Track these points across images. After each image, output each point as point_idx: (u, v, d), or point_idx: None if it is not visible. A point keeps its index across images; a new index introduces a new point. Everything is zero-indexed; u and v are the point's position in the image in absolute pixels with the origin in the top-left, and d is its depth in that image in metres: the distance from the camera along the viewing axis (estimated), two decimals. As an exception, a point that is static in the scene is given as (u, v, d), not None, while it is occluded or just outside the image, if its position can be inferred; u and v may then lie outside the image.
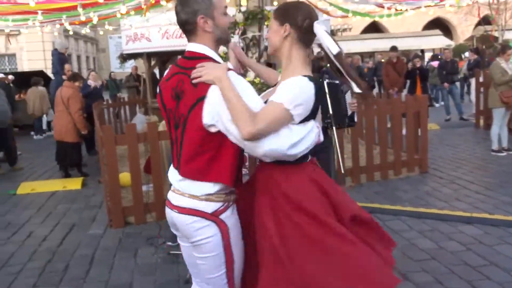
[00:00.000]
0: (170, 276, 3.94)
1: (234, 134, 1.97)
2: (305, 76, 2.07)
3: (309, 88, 2.05)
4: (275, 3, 9.30)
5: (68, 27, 7.73)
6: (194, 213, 2.07)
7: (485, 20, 23.23)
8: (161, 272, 4.04)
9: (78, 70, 19.07)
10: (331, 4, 9.14)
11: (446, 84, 12.25)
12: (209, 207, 2.07)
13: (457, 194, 5.81)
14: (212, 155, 2.04)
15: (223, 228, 2.08)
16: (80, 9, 6.75)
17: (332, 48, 2.12)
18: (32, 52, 22.47)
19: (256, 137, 1.93)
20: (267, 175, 2.15)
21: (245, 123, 1.91)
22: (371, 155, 6.62)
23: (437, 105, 14.31)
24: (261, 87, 7.13)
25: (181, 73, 2.09)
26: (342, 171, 4.32)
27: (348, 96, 4.42)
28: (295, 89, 2.02)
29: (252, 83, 7.14)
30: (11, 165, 8.72)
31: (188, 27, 2.11)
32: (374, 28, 36.49)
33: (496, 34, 20.48)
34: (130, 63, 14.80)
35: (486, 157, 7.68)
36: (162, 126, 6.12)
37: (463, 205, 5.35)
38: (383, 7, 8.33)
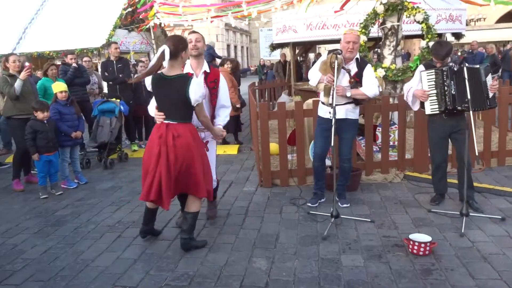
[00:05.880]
0: (310, 232, 3.99)
1: None
2: None
3: None
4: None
5: (232, 21, 8.08)
6: None
7: None
8: (302, 227, 4.11)
9: (235, 58, 20.11)
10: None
11: None
12: None
13: None
14: None
15: None
16: (244, 5, 7.03)
17: None
18: (201, 43, 24.45)
19: None
20: None
21: None
22: (504, 140, 5.91)
23: None
24: (397, 72, 6.78)
25: None
26: (476, 153, 3.93)
27: (489, 79, 3.99)
28: None
29: (388, 69, 6.81)
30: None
31: None
32: (509, 17, 31.99)
33: None
34: (277, 52, 15.12)
35: None
36: (306, 105, 6.15)
37: None
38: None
